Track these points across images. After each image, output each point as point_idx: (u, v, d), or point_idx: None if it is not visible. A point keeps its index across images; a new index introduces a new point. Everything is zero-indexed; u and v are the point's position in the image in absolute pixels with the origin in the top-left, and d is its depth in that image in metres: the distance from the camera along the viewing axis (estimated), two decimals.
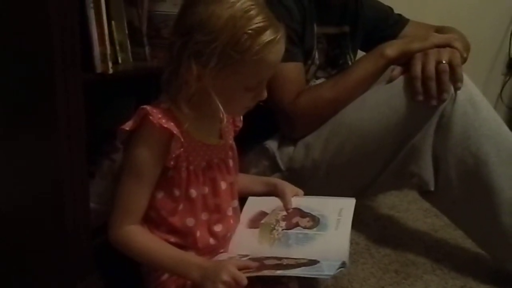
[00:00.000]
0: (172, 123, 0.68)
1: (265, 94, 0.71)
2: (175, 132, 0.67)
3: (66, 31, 0.64)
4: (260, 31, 0.64)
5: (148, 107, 0.67)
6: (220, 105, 0.67)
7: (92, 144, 0.87)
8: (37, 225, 0.76)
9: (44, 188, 0.73)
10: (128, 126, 0.68)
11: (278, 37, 0.66)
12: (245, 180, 0.87)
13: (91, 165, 0.88)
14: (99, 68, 0.73)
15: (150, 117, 0.66)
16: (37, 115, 0.69)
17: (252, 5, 0.64)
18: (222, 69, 0.65)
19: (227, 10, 0.63)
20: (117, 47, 0.82)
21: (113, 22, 0.80)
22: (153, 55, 0.95)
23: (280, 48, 0.67)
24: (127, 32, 0.85)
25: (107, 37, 0.74)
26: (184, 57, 0.65)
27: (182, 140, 0.68)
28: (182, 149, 0.69)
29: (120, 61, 0.84)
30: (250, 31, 0.63)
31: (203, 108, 0.70)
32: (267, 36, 0.64)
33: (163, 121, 0.67)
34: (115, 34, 0.81)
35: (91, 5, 0.70)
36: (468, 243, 1.10)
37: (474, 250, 1.08)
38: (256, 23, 0.63)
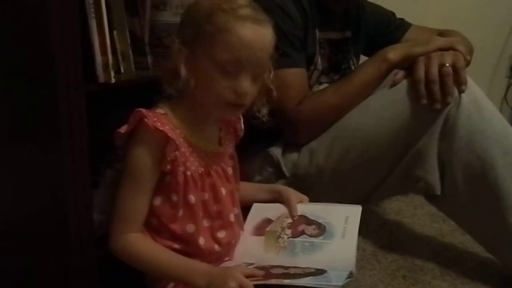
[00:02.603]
0: (167, 127, 0.68)
1: (246, 88, 0.67)
2: (169, 134, 0.67)
3: (67, 42, 0.64)
4: (237, 8, 0.66)
5: (143, 110, 0.68)
6: (191, 80, 0.67)
7: (96, 154, 0.87)
8: (40, 236, 0.76)
9: (47, 199, 0.72)
10: (123, 129, 0.69)
11: (259, 18, 0.67)
12: (249, 188, 0.86)
13: (95, 175, 0.88)
14: (101, 78, 0.73)
15: (145, 120, 0.66)
16: (39, 126, 0.69)
17: None
18: (197, 46, 0.67)
19: None
20: (119, 57, 0.82)
21: (115, 32, 0.80)
22: (156, 64, 0.95)
23: (258, 30, 0.66)
24: (129, 41, 0.85)
25: (109, 47, 0.74)
26: (178, 50, 0.68)
27: (177, 143, 0.68)
28: (177, 153, 0.69)
29: (122, 70, 0.83)
30: (226, 7, 0.66)
31: (190, 100, 0.70)
32: (244, 12, 0.66)
33: (158, 124, 0.67)
34: (117, 44, 0.81)
35: (93, 15, 0.70)
36: (476, 248, 1.08)
37: (482, 255, 1.07)
38: (237, 4, 0.66)
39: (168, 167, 0.69)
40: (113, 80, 0.75)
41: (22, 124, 0.72)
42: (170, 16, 0.97)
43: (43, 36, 0.63)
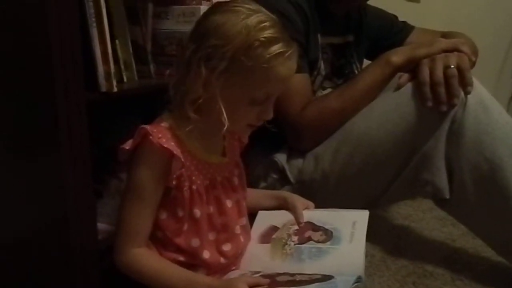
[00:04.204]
0: (172, 143, 0.67)
1: (271, 114, 0.70)
2: (175, 152, 0.66)
3: (68, 51, 0.64)
4: (272, 40, 0.64)
5: (148, 127, 0.67)
6: (225, 114, 0.65)
7: (99, 164, 0.87)
8: (43, 248, 0.75)
9: (49, 210, 0.72)
10: (128, 145, 0.68)
11: (290, 52, 0.66)
12: (254, 195, 0.85)
13: (98, 185, 0.88)
14: (103, 87, 0.73)
15: (150, 137, 0.65)
16: (40, 136, 0.69)
17: (266, 19, 0.65)
18: (230, 76, 0.64)
19: (242, 20, 0.64)
20: (122, 66, 0.83)
21: (117, 41, 0.81)
22: (158, 72, 0.95)
23: (291, 65, 0.67)
24: (131, 50, 0.86)
25: (110, 56, 0.74)
26: (194, 61, 0.65)
27: (183, 159, 0.67)
28: (183, 169, 0.68)
29: (125, 79, 0.84)
30: (262, 39, 0.63)
31: (207, 120, 0.68)
32: (279, 47, 0.64)
33: (163, 140, 0.66)
34: (119, 52, 0.81)
35: (94, 24, 0.71)
36: (488, 252, 1.07)
37: (494, 259, 1.05)
38: (270, 33, 0.64)
39: (174, 182, 0.68)
40: (115, 89, 0.75)
41: (22, 134, 0.72)
42: (172, 25, 0.98)
43: (43, 45, 0.63)
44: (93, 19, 0.70)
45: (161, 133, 0.67)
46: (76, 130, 0.67)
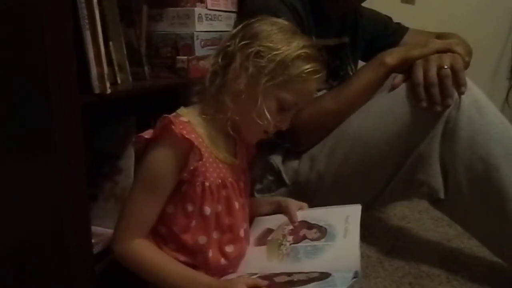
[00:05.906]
0: (193, 135, 0.68)
1: (287, 125, 0.75)
2: (195, 143, 0.67)
3: (61, 54, 0.63)
4: (314, 58, 0.71)
5: (171, 116, 0.68)
6: (266, 111, 0.69)
7: (94, 166, 0.87)
8: (38, 252, 0.74)
9: (44, 213, 0.71)
10: (148, 134, 0.68)
11: (322, 73, 0.73)
12: (252, 204, 0.85)
13: (93, 188, 0.87)
14: (96, 89, 0.73)
15: (173, 126, 0.66)
16: (34, 139, 0.68)
17: (309, 39, 0.74)
18: (274, 77, 0.69)
19: (291, 36, 0.71)
20: (116, 68, 0.82)
21: (110, 43, 0.80)
22: (153, 74, 0.95)
23: (317, 83, 0.73)
24: (125, 52, 0.85)
25: (104, 58, 0.74)
26: (241, 55, 0.69)
27: (201, 152, 0.68)
28: (200, 162, 0.69)
29: (119, 81, 0.83)
30: (308, 53, 0.70)
31: (239, 112, 0.71)
32: (317, 65, 0.71)
33: (184, 131, 0.67)
34: (113, 54, 0.81)
35: (87, 26, 0.70)
36: (483, 252, 1.07)
37: (490, 259, 1.05)
38: (313, 52, 0.72)
39: (188, 176, 0.68)
40: (108, 91, 0.74)
41: (17, 136, 0.71)
42: (167, 27, 0.98)
43: (36, 48, 0.63)
44: (86, 21, 0.70)
45: (182, 125, 0.68)
46: (71, 132, 0.66)
